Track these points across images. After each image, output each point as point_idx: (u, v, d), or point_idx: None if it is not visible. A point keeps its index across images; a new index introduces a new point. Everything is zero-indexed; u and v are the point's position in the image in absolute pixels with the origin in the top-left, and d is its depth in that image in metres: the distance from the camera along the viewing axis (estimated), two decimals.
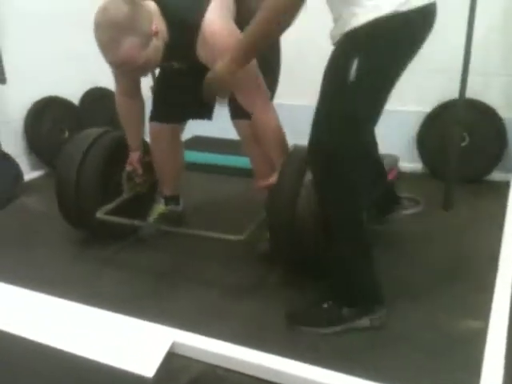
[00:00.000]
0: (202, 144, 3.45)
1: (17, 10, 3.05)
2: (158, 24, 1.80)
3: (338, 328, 1.71)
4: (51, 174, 3.31)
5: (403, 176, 3.11)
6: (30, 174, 3.26)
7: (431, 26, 1.61)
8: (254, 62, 1.81)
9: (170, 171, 2.40)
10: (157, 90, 2.28)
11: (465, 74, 2.54)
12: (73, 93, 3.55)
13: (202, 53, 1.82)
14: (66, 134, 3.41)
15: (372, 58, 1.53)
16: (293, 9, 1.56)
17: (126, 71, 1.90)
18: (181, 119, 2.34)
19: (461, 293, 1.95)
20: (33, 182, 3.23)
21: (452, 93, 2.82)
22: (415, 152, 3.19)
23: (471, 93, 2.64)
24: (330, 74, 1.60)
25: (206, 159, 3.26)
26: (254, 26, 1.60)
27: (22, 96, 3.21)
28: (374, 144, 1.99)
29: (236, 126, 2.14)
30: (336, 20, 1.61)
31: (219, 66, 1.73)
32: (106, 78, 3.71)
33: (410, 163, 3.21)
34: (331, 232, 1.69)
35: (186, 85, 2.10)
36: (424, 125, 3.12)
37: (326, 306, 1.74)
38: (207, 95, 1.84)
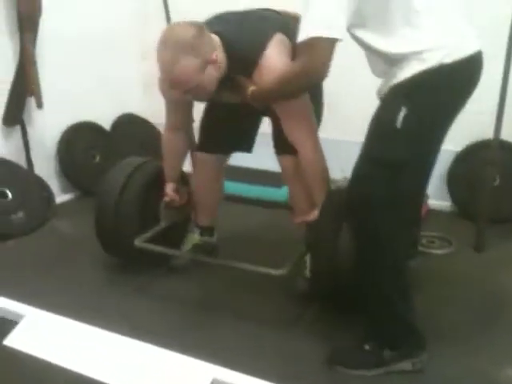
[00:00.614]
0: (233, 174, 3.46)
1: (53, 39, 3.11)
2: (219, 55, 1.85)
3: (380, 370, 1.70)
4: (81, 198, 3.38)
5: (432, 213, 3.10)
6: (60, 197, 3.29)
7: (479, 74, 1.63)
8: (308, 99, 1.86)
9: (210, 202, 2.43)
10: (205, 121, 2.31)
11: (500, 115, 2.56)
12: (104, 118, 3.61)
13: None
14: (97, 158, 3.46)
15: (419, 108, 1.55)
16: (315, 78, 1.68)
17: (178, 92, 1.89)
18: (227, 150, 2.37)
19: (498, 337, 1.94)
20: (63, 205, 3.26)
21: (483, 133, 2.86)
22: (444, 190, 3.19)
23: (503, 134, 2.64)
24: (376, 121, 1.63)
25: (237, 189, 3.26)
26: (273, 84, 1.73)
27: (56, 120, 3.27)
28: (421, 193, 1.98)
29: (280, 161, 2.17)
30: (384, 74, 1.66)
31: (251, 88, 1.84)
32: (136, 105, 3.83)
33: (439, 201, 3.21)
34: (368, 276, 1.70)
35: (232, 117, 2.16)
36: (454, 163, 3.13)
37: (367, 347, 1.73)
38: None
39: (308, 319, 2.05)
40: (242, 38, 1.88)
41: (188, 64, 1.76)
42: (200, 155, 2.34)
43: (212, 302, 2.19)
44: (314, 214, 1.95)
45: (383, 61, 1.63)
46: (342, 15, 1.51)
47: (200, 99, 2.04)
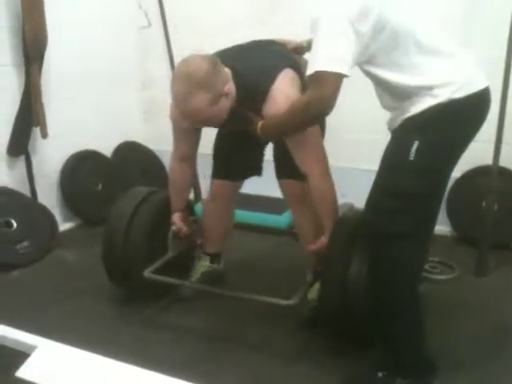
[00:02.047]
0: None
1: (56, 70, 3.15)
2: (230, 87, 1.89)
3: None
4: (82, 226, 3.37)
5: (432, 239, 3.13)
6: (62, 226, 3.28)
7: (487, 108, 1.69)
8: (318, 128, 1.91)
9: (220, 229, 2.46)
10: (217, 149, 2.37)
11: (498, 141, 2.64)
12: (106, 146, 3.64)
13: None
14: (100, 186, 3.47)
15: (431, 141, 1.60)
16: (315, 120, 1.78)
17: (189, 122, 1.95)
18: (240, 176, 2.40)
19: (505, 364, 1.95)
20: (65, 233, 3.25)
21: (482, 159, 2.91)
22: (443, 215, 3.22)
23: (501, 160, 2.70)
24: (389, 154, 1.68)
25: (237, 216, 3.28)
26: (281, 116, 1.79)
27: (58, 150, 3.28)
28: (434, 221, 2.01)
29: (282, 186, 2.21)
30: (393, 109, 1.71)
31: (261, 122, 1.89)
32: (136, 133, 3.87)
33: (438, 226, 3.22)
34: (383, 307, 1.72)
35: (242, 144, 2.22)
36: (454, 189, 3.17)
37: (380, 375, 1.74)
38: None
39: (317, 347, 2.06)
40: (253, 70, 1.93)
41: (201, 99, 1.79)
42: (216, 182, 2.37)
43: (221, 332, 2.19)
44: (323, 242, 1.98)
45: (392, 96, 1.69)
46: (350, 52, 1.56)
47: (210, 126, 2.05)
